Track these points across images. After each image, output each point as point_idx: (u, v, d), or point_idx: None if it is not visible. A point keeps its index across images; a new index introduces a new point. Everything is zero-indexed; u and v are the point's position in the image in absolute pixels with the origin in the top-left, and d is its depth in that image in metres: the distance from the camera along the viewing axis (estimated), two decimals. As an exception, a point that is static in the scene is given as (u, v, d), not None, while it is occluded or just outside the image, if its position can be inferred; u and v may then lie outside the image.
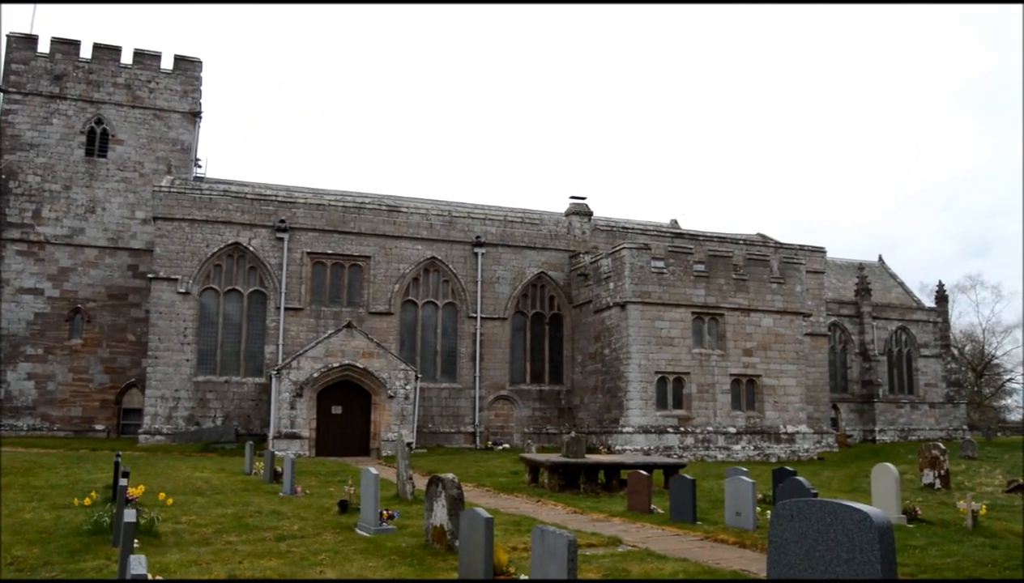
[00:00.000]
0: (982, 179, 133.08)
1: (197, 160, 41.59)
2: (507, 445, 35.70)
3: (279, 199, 35.64)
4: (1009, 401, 79.15)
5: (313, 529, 13.58)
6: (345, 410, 33.17)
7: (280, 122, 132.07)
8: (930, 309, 50.59)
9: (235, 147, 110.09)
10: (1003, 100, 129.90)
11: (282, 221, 34.97)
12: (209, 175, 41.72)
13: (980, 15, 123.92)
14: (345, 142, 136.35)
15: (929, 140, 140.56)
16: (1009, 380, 75.12)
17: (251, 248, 34.72)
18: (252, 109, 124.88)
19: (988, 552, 12.12)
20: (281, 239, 34.97)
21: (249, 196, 35.37)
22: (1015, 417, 79.64)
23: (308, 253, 35.42)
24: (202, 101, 40.97)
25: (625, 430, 32.21)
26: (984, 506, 15.54)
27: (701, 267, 34.30)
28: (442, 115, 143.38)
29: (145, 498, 14.96)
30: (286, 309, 34.79)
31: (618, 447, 31.63)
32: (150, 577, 7.97)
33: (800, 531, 4.80)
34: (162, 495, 15.41)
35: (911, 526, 14.81)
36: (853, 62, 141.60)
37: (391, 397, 32.63)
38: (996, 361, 72.97)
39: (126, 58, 40.20)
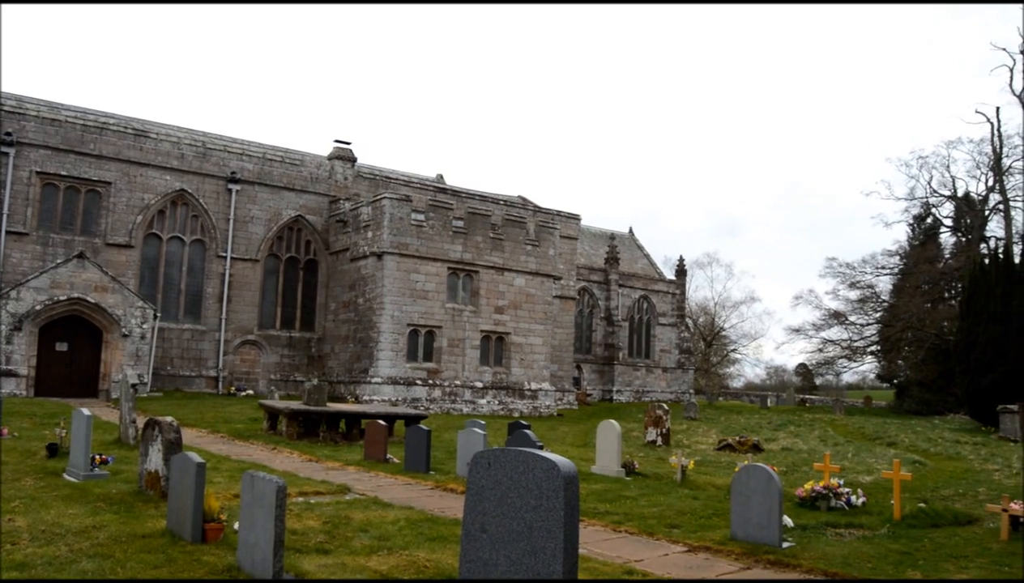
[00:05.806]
0: (738, 167, 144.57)
1: (-93, 56, 36.30)
2: (251, 392, 34.52)
3: (6, 109, 31.85)
4: (732, 369, 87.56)
5: (13, 474, 12.40)
6: (72, 348, 30.61)
7: (21, 27, 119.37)
8: (670, 281, 54.22)
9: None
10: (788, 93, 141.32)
11: (8, 134, 31.35)
12: (-78, 75, 36.60)
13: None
14: (92, 59, 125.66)
15: (703, 127, 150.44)
16: (733, 350, 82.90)
17: (-32, 162, 30.95)
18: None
19: (690, 502, 13.19)
20: (6, 154, 31.35)
21: (-31, 103, 31.41)
22: (737, 384, 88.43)
23: (38, 172, 32.04)
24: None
25: (374, 381, 32.10)
26: (693, 462, 16.90)
27: (460, 223, 34.64)
28: (204, 43, 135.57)
29: None
30: (8, 233, 31.31)
31: (366, 397, 31.49)
32: None
33: (495, 479, 4.86)
34: None
35: (628, 479, 15.82)
36: (656, 39, 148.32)
37: (125, 336, 30.48)
38: (724, 332, 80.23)
39: None
